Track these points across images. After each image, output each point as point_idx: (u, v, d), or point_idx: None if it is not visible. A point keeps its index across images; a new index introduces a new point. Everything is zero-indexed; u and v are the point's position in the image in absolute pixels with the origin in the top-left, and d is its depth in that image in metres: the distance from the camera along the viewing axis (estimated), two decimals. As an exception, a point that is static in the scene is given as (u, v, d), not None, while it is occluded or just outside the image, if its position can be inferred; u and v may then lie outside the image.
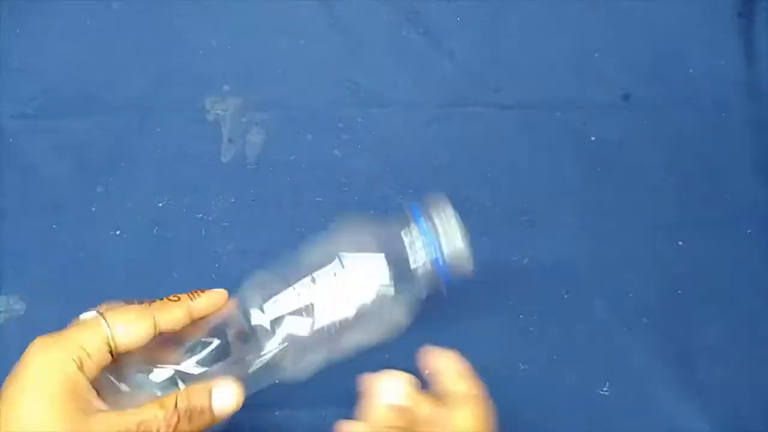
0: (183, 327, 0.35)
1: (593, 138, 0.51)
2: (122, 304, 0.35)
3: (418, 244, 0.34)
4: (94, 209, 0.49)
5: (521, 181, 0.50)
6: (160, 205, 0.49)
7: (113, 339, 0.32)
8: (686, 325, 0.46)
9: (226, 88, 0.52)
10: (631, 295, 0.47)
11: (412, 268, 0.33)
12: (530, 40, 0.54)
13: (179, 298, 0.35)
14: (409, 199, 0.49)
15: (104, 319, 0.32)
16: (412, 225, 0.34)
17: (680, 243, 0.48)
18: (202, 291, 0.36)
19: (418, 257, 0.34)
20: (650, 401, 0.44)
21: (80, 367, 0.31)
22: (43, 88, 0.52)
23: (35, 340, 0.32)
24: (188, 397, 0.33)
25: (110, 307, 0.34)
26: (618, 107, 0.52)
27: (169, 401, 0.32)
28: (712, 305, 0.46)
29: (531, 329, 0.46)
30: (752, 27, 0.53)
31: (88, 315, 0.33)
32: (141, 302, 0.35)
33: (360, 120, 0.52)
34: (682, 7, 0.54)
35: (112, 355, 0.32)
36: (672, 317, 0.46)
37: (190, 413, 0.32)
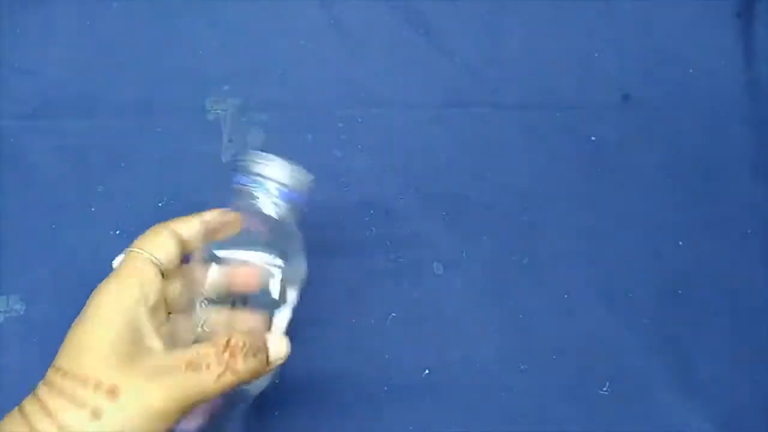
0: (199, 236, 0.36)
1: (593, 138, 0.51)
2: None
3: (259, 195, 0.36)
4: (94, 209, 0.49)
5: (521, 181, 0.50)
6: (160, 205, 0.49)
7: (159, 262, 0.33)
8: (686, 325, 0.46)
9: (226, 88, 0.52)
10: (631, 295, 0.47)
11: (274, 217, 0.36)
12: (530, 40, 0.54)
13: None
14: (409, 199, 0.49)
15: (142, 250, 0.34)
16: (244, 188, 0.36)
17: (680, 243, 0.48)
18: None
19: (267, 204, 0.36)
20: (650, 401, 0.44)
21: (145, 303, 0.32)
22: (43, 88, 0.52)
23: (100, 287, 0.32)
24: (244, 335, 0.32)
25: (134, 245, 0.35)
26: (618, 107, 0.52)
27: (221, 339, 0.31)
28: (712, 305, 0.46)
29: (531, 329, 0.46)
30: (752, 27, 0.53)
31: (119, 259, 0.34)
32: None
33: (360, 120, 0.52)
34: (681, 7, 0.54)
35: (162, 275, 0.34)
36: (672, 317, 0.46)
37: (246, 351, 0.31)
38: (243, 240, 0.35)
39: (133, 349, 0.30)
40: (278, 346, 0.33)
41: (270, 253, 0.35)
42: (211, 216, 0.36)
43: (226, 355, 0.31)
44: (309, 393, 0.43)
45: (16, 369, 0.44)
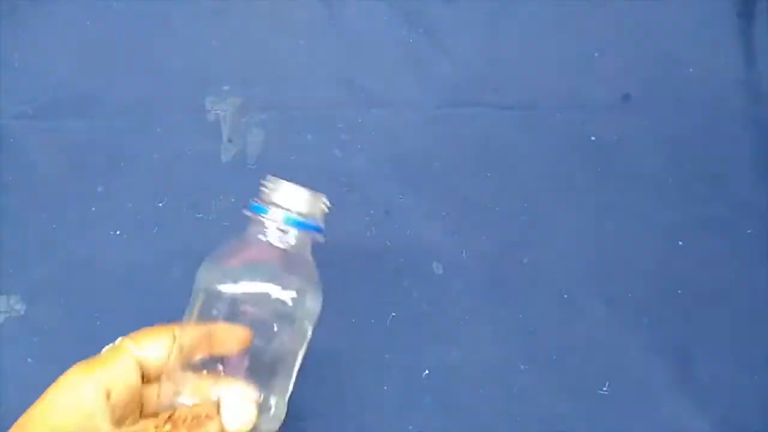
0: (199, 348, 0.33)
1: (593, 138, 0.51)
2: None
3: (268, 224, 0.34)
4: (94, 209, 0.49)
5: (521, 181, 0.50)
6: (160, 205, 0.49)
7: (142, 360, 0.33)
8: (686, 325, 0.46)
9: (226, 88, 0.52)
10: (631, 295, 0.47)
11: (282, 247, 0.33)
12: (530, 40, 0.54)
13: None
14: (409, 199, 0.49)
15: (131, 341, 0.33)
16: (253, 214, 0.34)
17: (680, 243, 0.48)
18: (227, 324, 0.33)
19: (272, 234, 0.33)
20: (650, 401, 0.44)
21: (108, 396, 0.31)
22: (43, 88, 0.52)
23: (72, 368, 0.32)
24: (190, 408, 0.31)
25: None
26: (618, 107, 0.52)
27: (165, 414, 0.31)
28: (712, 305, 0.46)
29: (531, 329, 0.46)
30: (752, 27, 0.53)
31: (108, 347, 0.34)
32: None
33: (360, 120, 0.52)
34: (682, 7, 0.54)
35: (143, 378, 0.33)
36: (672, 317, 0.46)
37: (189, 423, 0.30)
38: (251, 272, 0.33)
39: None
40: (238, 414, 0.31)
41: (280, 285, 0.33)
42: (218, 333, 0.33)
43: (167, 427, 0.30)
44: (309, 393, 0.43)
45: (16, 369, 0.44)
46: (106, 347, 0.34)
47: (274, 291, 0.32)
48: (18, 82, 0.52)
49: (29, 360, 0.44)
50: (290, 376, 0.35)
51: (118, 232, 0.48)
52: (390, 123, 0.51)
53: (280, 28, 0.54)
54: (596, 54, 0.53)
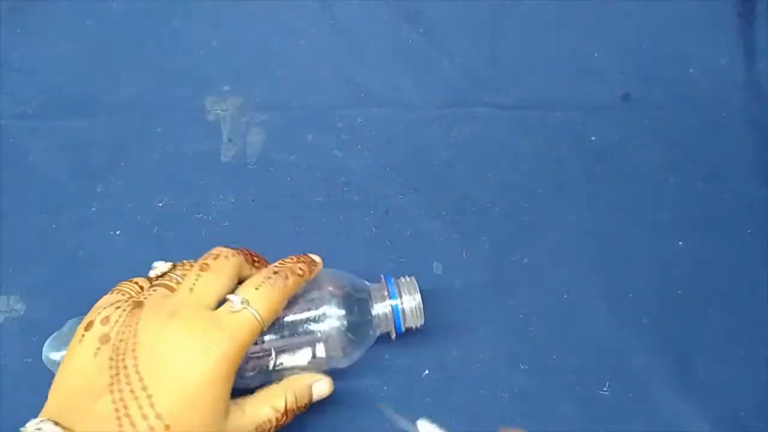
0: None
1: (593, 138, 0.51)
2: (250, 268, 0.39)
3: (385, 298, 0.41)
4: (94, 209, 0.49)
5: (521, 181, 0.50)
6: (160, 205, 0.49)
7: (264, 325, 0.35)
8: (686, 325, 0.46)
9: (226, 88, 0.52)
10: (631, 295, 0.47)
11: (372, 314, 0.40)
12: (530, 40, 0.54)
13: (302, 273, 0.38)
14: (409, 199, 0.49)
15: (261, 313, 0.35)
16: (383, 283, 0.41)
17: (680, 243, 0.48)
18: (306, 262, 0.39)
19: (380, 307, 0.41)
20: (650, 401, 0.44)
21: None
22: (43, 88, 0.52)
23: (196, 324, 0.33)
24: (295, 396, 0.37)
25: (253, 284, 0.36)
26: (618, 107, 0.52)
27: (280, 403, 0.36)
28: (712, 305, 0.46)
29: (531, 329, 0.46)
30: (752, 27, 0.53)
31: (235, 304, 0.34)
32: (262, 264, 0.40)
33: (360, 120, 0.52)
34: (682, 7, 0.54)
35: None
36: (672, 317, 0.46)
37: (295, 410, 0.37)
38: (340, 300, 0.39)
39: (225, 409, 0.33)
40: (321, 391, 0.39)
41: (343, 325, 0.39)
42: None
43: (284, 418, 0.36)
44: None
45: (16, 369, 0.44)
46: (232, 308, 0.34)
47: (337, 319, 0.39)
48: (18, 82, 0.52)
49: (29, 360, 0.44)
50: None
51: (118, 232, 0.48)
52: (390, 123, 0.51)
53: (279, 28, 0.54)
54: (596, 54, 0.53)
